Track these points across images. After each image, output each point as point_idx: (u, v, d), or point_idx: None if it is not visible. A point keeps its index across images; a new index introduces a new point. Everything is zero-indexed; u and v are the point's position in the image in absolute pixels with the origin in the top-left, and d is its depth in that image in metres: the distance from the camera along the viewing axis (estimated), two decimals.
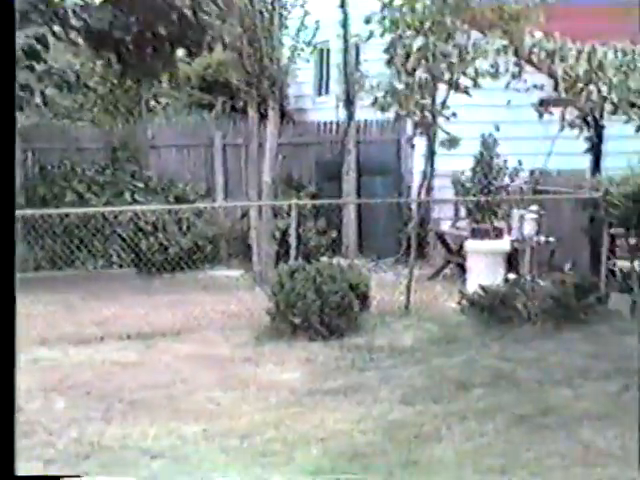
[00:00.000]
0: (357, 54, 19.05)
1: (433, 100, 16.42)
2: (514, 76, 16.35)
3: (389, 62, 16.41)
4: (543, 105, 16.00)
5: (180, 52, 20.35)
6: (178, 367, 11.50)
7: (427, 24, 15.86)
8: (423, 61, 16.09)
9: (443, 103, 16.26)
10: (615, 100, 15.42)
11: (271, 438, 9.15)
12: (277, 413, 9.90)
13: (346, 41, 18.74)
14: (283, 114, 19.24)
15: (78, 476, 8.14)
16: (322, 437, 9.13)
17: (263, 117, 17.29)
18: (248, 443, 9.01)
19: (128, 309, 14.21)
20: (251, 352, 12.30)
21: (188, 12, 20.41)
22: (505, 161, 17.80)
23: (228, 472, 8.30)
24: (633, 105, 15.39)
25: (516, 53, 16.55)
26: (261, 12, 16.41)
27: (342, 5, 18.26)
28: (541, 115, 16.06)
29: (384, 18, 16.31)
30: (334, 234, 18.15)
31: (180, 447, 8.81)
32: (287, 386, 10.84)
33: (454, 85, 16.24)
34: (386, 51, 16.44)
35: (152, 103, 22.13)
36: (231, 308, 14.20)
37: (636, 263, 14.72)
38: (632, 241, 14.79)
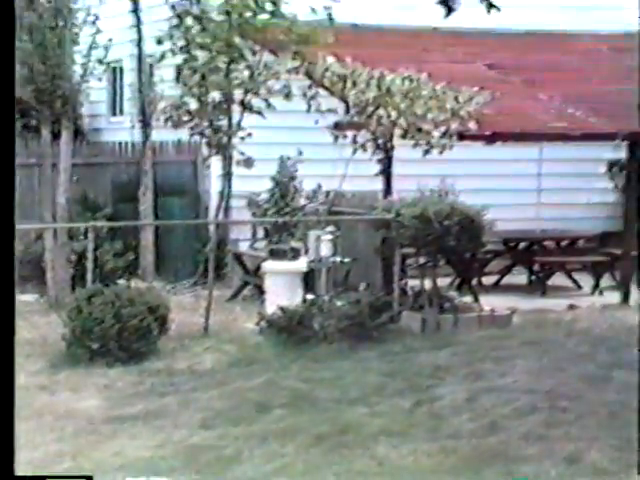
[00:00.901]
0: (151, 74, 18.98)
1: (229, 120, 16.63)
2: (311, 99, 16.66)
3: (179, 80, 16.55)
4: (337, 128, 16.29)
5: None
6: None
7: (217, 44, 16.06)
8: (215, 81, 16.27)
9: (238, 124, 16.49)
10: (404, 125, 15.65)
11: (68, 468, 9.07)
12: (74, 443, 9.84)
13: (140, 61, 18.63)
14: (77, 134, 19.12)
15: (79, 476, 8.12)
16: (121, 464, 9.13)
17: (56, 136, 17.07)
18: (46, 473, 8.91)
19: None
20: (46, 380, 12.16)
21: None
22: (301, 182, 18.04)
23: None
24: (420, 130, 15.68)
25: (309, 76, 16.82)
26: (52, 28, 16.23)
27: (137, 25, 18.23)
28: (336, 138, 16.27)
29: (172, 37, 16.47)
30: (132, 256, 18.02)
31: None
32: (84, 414, 10.80)
33: (247, 106, 16.49)
34: (178, 71, 16.61)
35: None
36: (24, 334, 13.66)
37: (426, 282, 15.21)
38: (421, 261, 15.25)
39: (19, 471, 8.74)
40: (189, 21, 16.43)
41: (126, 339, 12.89)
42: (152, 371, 12.52)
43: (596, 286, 18.35)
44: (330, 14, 16.32)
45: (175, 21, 16.52)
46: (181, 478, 8.86)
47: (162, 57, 17.35)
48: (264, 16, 16.26)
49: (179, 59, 16.55)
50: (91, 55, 17.06)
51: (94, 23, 17.00)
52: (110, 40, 17.16)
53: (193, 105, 16.56)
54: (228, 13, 16.07)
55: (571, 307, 16.68)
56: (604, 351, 13.45)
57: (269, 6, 16.21)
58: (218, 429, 10.22)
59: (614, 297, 17.51)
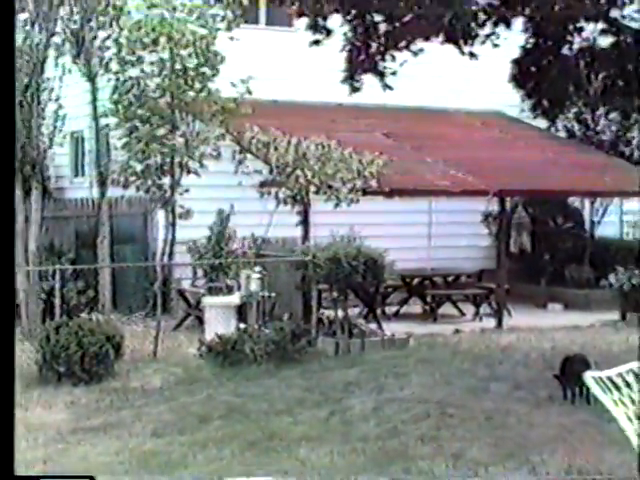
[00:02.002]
0: (107, 142, 18.91)
1: (173, 179, 16.63)
2: (240, 162, 16.69)
3: (125, 147, 16.55)
4: (262, 186, 16.34)
5: None
6: None
7: (155, 118, 16.06)
8: (155, 148, 16.27)
9: (177, 182, 16.49)
10: (317, 183, 15.71)
11: (39, 471, 8.93)
12: (45, 450, 9.69)
13: (96, 131, 18.57)
14: (45, 192, 18.96)
15: (78, 477, 7.93)
16: (85, 468, 9.00)
17: (27, 194, 16.95)
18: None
19: None
20: (21, 398, 11.87)
21: None
22: (235, 231, 17.97)
23: None
24: (330, 187, 15.75)
25: (238, 143, 16.87)
26: (21, 104, 16.10)
27: (93, 102, 18.15)
28: (262, 194, 16.34)
29: (117, 111, 16.45)
30: (92, 293, 17.74)
31: None
32: (54, 426, 10.62)
33: (185, 167, 16.49)
34: (125, 140, 16.58)
35: None
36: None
37: (338, 312, 15.24)
38: (334, 294, 15.28)
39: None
40: (132, 98, 16.45)
41: (88, 363, 12.71)
42: (110, 390, 12.35)
43: (476, 313, 18.57)
44: (248, 88, 16.39)
45: (116, 97, 16.55)
46: (135, 477, 8.81)
47: (102, 129, 17.54)
48: (193, 93, 16.31)
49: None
50: (55, 127, 16.97)
51: (57, 100, 16.94)
52: (65, 115, 17.05)
53: (139, 167, 16.55)
54: (164, 91, 16.11)
55: (456, 331, 16.83)
56: (483, 367, 13.59)
57: (197, 84, 16.25)
58: (167, 437, 10.12)
59: (491, 322, 17.74)
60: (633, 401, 5.69)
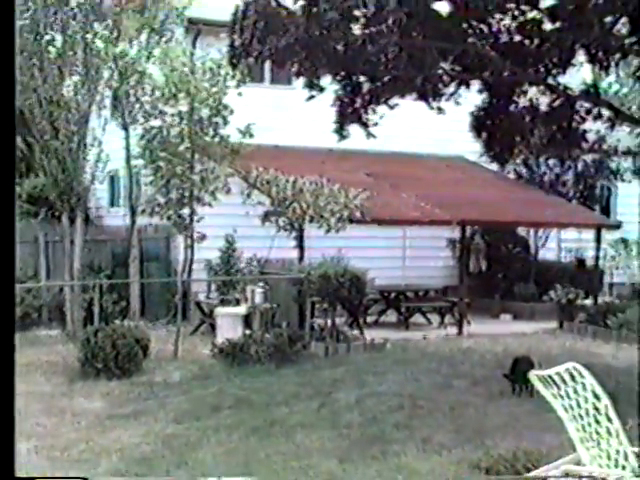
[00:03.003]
0: (137, 179, 18.94)
1: (191, 209, 16.64)
2: (248, 195, 16.72)
3: (152, 183, 16.59)
4: (266, 216, 16.39)
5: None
6: None
7: (176, 160, 16.11)
8: (176, 184, 16.28)
9: (194, 212, 16.51)
10: (311, 213, 15.75)
11: (83, 450, 9.08)
12: (86, 432, 9.77)
13: (129, 170, 18.63)
14: (87, 220, 18.99)
15: (78, 477, 7.90)
16: (119, 448, 9.10)
17: (73, 222, 16.98)
18: (67, 454, 8.92)
19: None
20: (66, 389, 12.02)
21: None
22: (242, 252, 18.00)
23: (54, 473, 8.17)
24: (322, 217, 15.77)
25: (246, 180, 16.90)
26: (70, 149, 16.24)
27: (127, 147, 18.19)
28: (264, 222, 16.35)
29: (144, 155, 16.51)
30: (124, 303, 17.76)
31: (16, 459, 8.68)
32: (93, 413, 10.69)
33: (200, 200, 16.50)
34: (151, 178, 16.62)
35: None
36: (51, 358, 13.84)
37: (328, 321, 15.26)
38: (325, 306, 15.28)
39: (44, 457, 8.77)
40: (156, 144, 16.51)
41: (120, 361, 12.77)
42: (139, 383, 12.38)
43: (441, 322, 18.58)
44: (251, 132, 16.42)
45: (143, 143, 16.63)
46: (159, 455, 8.82)
47: (131, 169, 17.65)
48: (207, 138, 16.38)
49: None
50: (97, 167, 17.03)
51: (99, 145, 17.00)
52: (107, 155, 17.12)
53: (162, 200, 16.60)
54: (183, 137, 16.17)
55: (425, 337, 16.82)
56: (446, 366, 13.62)
57: (211, 131, 16.31)
58: (185, 423, 10.15)
59: (453, 330, 17.75)
60: (569, 395, 5.73)
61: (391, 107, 13.11)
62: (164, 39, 17.29)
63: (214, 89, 16.22)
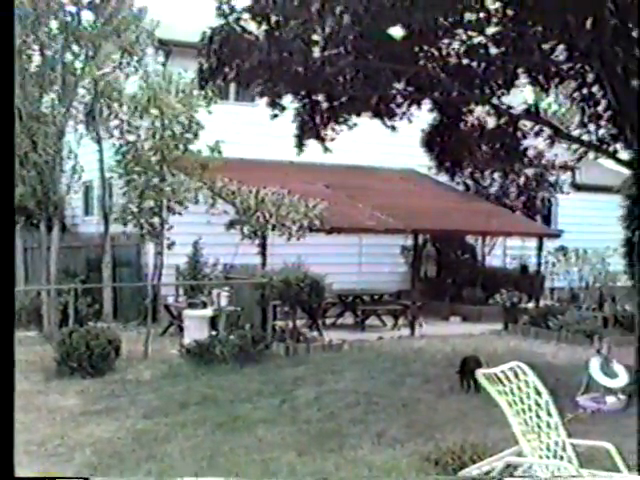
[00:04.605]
0: (110, 189, 18.82)
1: (161, 218, 16.59)
2: (212, 205, 16.71)
3: (125, 195, 16.55)
4: (231, 224, 16.34)
5: None
6: None
7: (149, 171, 16.06)
8: (149, 194, 16.23)
9: (165, 221, 16.45)
10: (273, 222, 15.77)
11: (58, 444, 8.98)
12: (61, 428, 9.67)
13: (103, 181, 18.51)
14: (63, 227, 18.82)
15: (78, 478, 7.81)
16: (92, 442, 9.02)
17: (50, 229, 16.85)
18: (44, 449, 8.83)
19: None
20: (43, 387, 11.91)
21: None
22: (209, 258, 17.99)
23: (31, 467, 8.06)
24: (283, 225, 15.77)
25: (212, 191, 16.87)
26: (47, 162, 16.14)
27: (100, 159, 18.09)
28: (229, 230, 16.32)
29: (118, 167, 16.47)
30: (98, 306, 17.60)
31: None
32: (67, 409, 10.60)
33: (171, 210, 16.48)
34: (125, 189, 16.57)
35: None
36: (29, 357, 13.64)
37: (289, 323, 15.26)
38: (286, 309, 15.29)
39: (21, 452, 8.67)
40: (129, 158, 16.46)
41: (94, 361, 12.68)
42: (111, 381, 12.31)
43: (395, 324, 18.64)
44: (220, 149, 16.44)
45: (118, 157, 16.59)
46: (130, 449, 8.77)
47: (105, 179, 17.62)
48: (178, 152, 16.37)
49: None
50: (73, 178, 16.97)
51: (75, 158, 16.95)
52: (81, 166, 17.08)
53: (135, 209, 16.53)
54: (155, 151, 16.14)
55: (380, 338, 16.89)
56: (400, 365, 13.67)
57: (181, 146, 16.31)
58: (154, 419, 10.10)
59: (406, 331, 17.82)
60: (512, 391, 5.79)
61: (350, 127, 13.22)
62: (136, 58, 17.25)
63: (185, 106, 16.23)
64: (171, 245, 16.84)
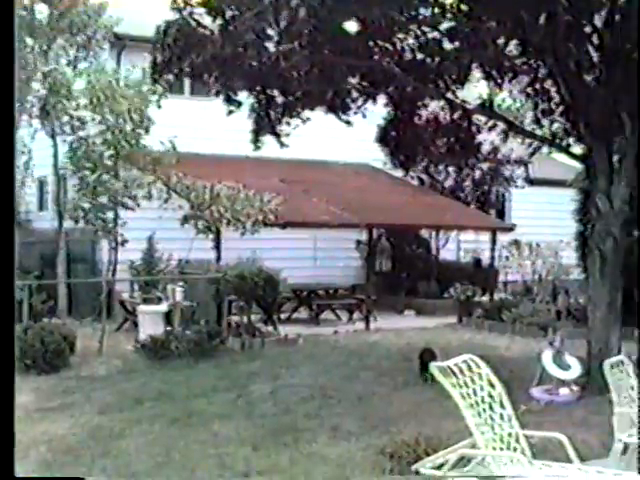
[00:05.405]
0: (64, 184, 18.63)
1: (115, 214, 16.45)
2: (166, 200, 16.59)
3: (78, 192, 16.38)
4: (186, 219, 16.22)
5: None
6: None
7: (100, 167, 15.91)
8: (101, 190, 16.08)
9: (118, 217, 16.31)
10: (228, 217, 15.67)
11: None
12: (16, 425, 9.56)
13: (57, 177, 18.32)
14: (18, 223, 18.61)
15: (78, 478, 7.70)
16: (47, 439, 8.94)
17: None
18: None
19: None
20: None
21: None
22: (163, 254, 17.88)
23: None
24: (238, 220, 15.68)
25: (166, 186, 16.75)
26: None
27: (54, 155, 17.93)
28: (183, 225, 16.23)
29: (71, 163, 16.31)
30: (52, 303, 17.36)
31: None
32: (22, 406, 10.27)
33: (124, 205, 16.34)
34: (78, 186, 16.41)
35: None
36: None
37: (244, 317, 15.23)
38: (241, 304, 15.24)
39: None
40: (80, 153, 16.30)
41: (49, 357, 12.58)
42: (66, 378, 12.20)
43: (350, 318, 18.69)
44: (174, 144, 16.34)
45: (70, 153, 16.42)
46: (85, 445, 8.69)
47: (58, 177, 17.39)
48: (130, 147, 16.25)
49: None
50: (26, 173, 16.77)
51: (29, 153, 16.75)
52: (33, 163, 16.90)
53: (87, 205, 16.37)
54: (108, 146, 16.00)
55: (335, 332, 16.90)
56: (355, 359, 13.69)
57: (133, 141, 16.17)
58: (109, 415, 10.03)
59: (361, 325, 17.87)
60: (466, 384, 5.82)
61: (304, 120, 13.20)
62: (91, 53, 17.07)
63: (137, 102, 16.10)
64: (124, 242, 16.71)
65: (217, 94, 12.27)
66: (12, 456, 4.11)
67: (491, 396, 5.87)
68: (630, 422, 7.05)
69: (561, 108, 12.54)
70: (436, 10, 11.05)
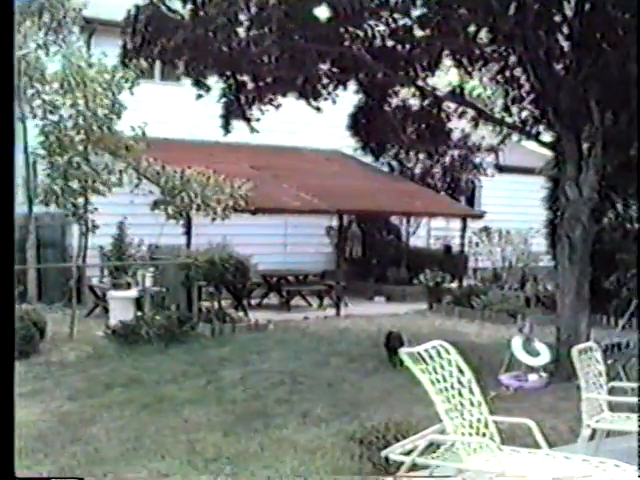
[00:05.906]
0: (35, 169, 18.43)
1: (86, 199, 16.30)
2: (136, 186, 16.46)
3: (49, 176, 16.17)
4: (155, 205, 16.14)
5: None
6: None
7: (71, 151, 15.75)
8: (73, 174, 15.90)
9: (88, 202, 16.16)
10: (198, 202, 15.63)
11: None
12: None
13: (27, 161, 18.13)
14: None
15: (77, 478, 7.61)
16: (16, 425, 8.84)
17: None
18: None
19: None
20: None
21: None
22: (133, 239, 17.78)
23: None
24: (208, 205, 15.61)
25: (137, 171, 16.62)
26: None
27: (24, 136, 17.73)
28: (153, 210, 16.10)
29: (43, 145, 16.11)
30: (22, 288, 17.16)
31: None
32: None
33: (95, 190, 16.19)
34: (48, 171, 16.22)
35: None
36: None
37: (214, 303, 15.21)
38: (211, 289, 15.23)
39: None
40: (52, 137, 16.11)
41: (18, 343, 12.10)
42: (36, 364, 12.08)
43: (320, 304, 18.72)
44: (144, 131, 16.22)
45: (41, 138, 16.20)
46: (55, 432, 8.65)
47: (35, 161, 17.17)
48: (101, 132, 16.08)
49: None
50: None
51: None
52: None
53: (58, 190, 16.19)
54: (79, 130, 15.83)
55: (305, 318, 16.91)
56: (325, 345, 13.73)
57: (105, 126, 16.01)
58: (80, 401, 9.98)
59: (332, 311, 17.90)
60: (435, 370, 5.84)
61: (276, 107, 13.17)
62: (61, 36, 16.86)
63: (109, 86, 15.95)
64: (95, 227, 16.59)
65: (187, 75, 12.20)
66: (12, 456, 4.12)
67: (460, 382, 5.90)
68: (598, 408, 7.13)
69: (531, 96, 12.58)
70: None
